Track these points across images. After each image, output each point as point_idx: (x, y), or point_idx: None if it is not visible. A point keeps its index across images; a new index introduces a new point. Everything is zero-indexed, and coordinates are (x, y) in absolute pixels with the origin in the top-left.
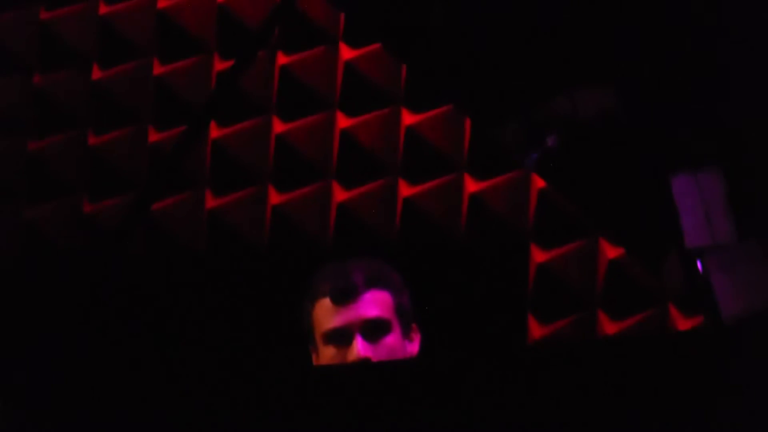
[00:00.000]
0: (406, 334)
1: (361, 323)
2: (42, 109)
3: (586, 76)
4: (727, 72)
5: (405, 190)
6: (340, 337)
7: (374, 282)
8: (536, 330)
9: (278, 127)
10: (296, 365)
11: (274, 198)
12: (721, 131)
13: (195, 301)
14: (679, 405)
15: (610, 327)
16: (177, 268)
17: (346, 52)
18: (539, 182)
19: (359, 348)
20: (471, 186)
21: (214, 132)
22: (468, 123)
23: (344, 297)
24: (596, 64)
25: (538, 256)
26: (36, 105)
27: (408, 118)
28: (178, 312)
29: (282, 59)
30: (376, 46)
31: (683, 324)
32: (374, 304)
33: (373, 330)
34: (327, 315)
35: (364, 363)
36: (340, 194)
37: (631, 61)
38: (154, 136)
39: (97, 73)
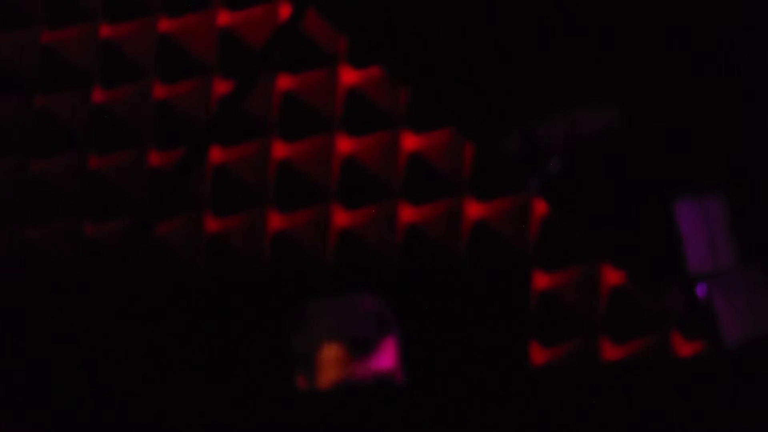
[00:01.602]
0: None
1: (375, 376)
2: (44, 130)
3: (589, 97)
4: (733, 96)
5: (406, 213)
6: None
7: (387, 329)
8: (538, 355)
9: (279, 149)
10: (295, 388)
11: (275, 221)
12: (725, 157)
13: (195, 323)
14: (682, 430)
15: (612, 352)
16: (177, 290)
17: (348, 75)
18: (541, 206)
19: None
20: (472, 210)
21: (215, 154)
22: (469, 146)
23: (360, 349)
24: (599, 85)
25: (540, 280)
26: (38, 126)
27: (409, 141)
28: (179, 334)
29: (283, 81)
30: (377, 68)
31: (686, 349)
32: (388, 354)
33: (384, 379)
34: (339, 363)
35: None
36: (340, 217)
37: (634, 82)
38: (155, 158)
39: (98, 95)
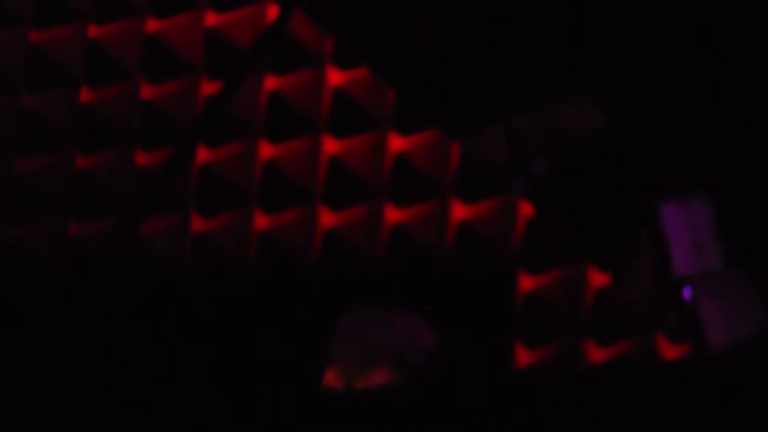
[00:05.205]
0: None
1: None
2: (30, 129)
3: (573, 97)
4: (718, 99)
5: (391, 214)
6: None
7: (436, 369)
8: (523, 357)
9: (265, 150)
10: (283, 388)
11: (261, 221)
12: (711, 160)
13: (180, 323)
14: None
15: (596, 354)
16: (163, 290)
17: (334, 76)
18: (526, 208)
19: None
20: (458, 211)
21: (201, 154)
22: (455, 147)
23: (404, 373)
24: (584, 85)
25: (525, 282)
26: (24, 125)
27: (395, 142)
28: (164, 334)
29: (270, 82)
30: (363, 69)
31: (670, 351)
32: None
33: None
34: (378, 376)
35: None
36: (326, 218)
37: (619, 83)
38: (141, 158)
39: (85, 95)
